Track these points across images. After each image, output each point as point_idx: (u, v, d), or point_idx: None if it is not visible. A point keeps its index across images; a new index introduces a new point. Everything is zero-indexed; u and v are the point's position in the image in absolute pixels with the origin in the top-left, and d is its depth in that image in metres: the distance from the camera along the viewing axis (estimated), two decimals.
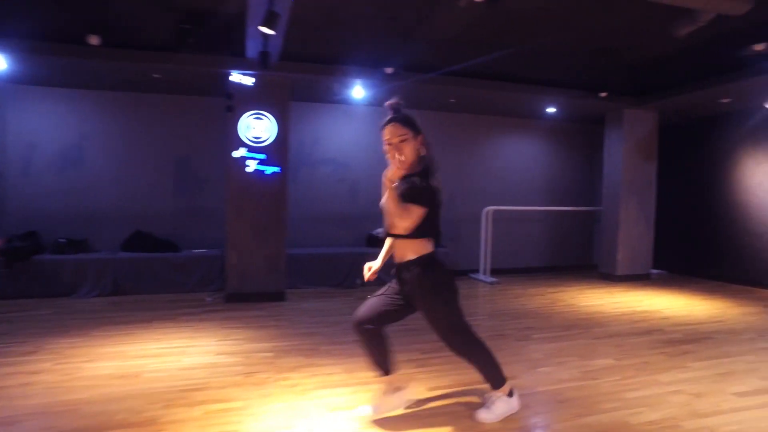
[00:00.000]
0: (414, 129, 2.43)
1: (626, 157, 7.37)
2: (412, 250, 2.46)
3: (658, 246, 7.89)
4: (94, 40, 4.92)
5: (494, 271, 7.49)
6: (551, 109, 7.43)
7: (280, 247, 5.74)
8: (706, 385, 3.27)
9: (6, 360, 3.57)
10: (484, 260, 7.41)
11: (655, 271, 7.85)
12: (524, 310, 5.39)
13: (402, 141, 2.39)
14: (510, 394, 2.72)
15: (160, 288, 6.02)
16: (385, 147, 2.42)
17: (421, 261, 2.45)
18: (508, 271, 7.92)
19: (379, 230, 7.23)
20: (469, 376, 3.30)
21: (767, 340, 4.33)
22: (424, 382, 3.24)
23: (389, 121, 2.42)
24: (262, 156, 5.64)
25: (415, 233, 2.40)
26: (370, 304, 2.63)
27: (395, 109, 2.45)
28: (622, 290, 6.62)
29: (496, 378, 2.69)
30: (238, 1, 4.38)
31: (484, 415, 2.69)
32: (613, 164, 7.53)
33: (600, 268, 7.74)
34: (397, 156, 2.37)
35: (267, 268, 5.72)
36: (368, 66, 5.76)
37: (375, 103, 7.02)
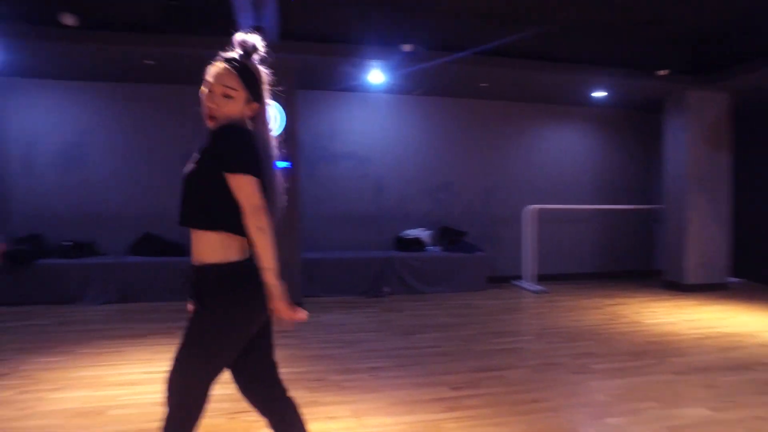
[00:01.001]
0: (253, 91, 1.65)
1: (691, 147, 6.34)
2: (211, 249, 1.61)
3: (737, 250, 6.82)
4: (68, 19, 4.36)
5: (541, 278, 6.62)
6: (599, 93, 6.47)
7: (294, 251, 5.10)
8: None
9: None
10: (529, 266, 6.55)
11: (733, 279, 6.77)
12: (579, 329, 4.53)
13: (225, 95, 1.61)
14: None
15: (168, 295, 5.50)
16: (203, 89, 1.64)
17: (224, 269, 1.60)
18: (555, 277, 7.02)
19: (409, 232, 6.50)
20: (520, 425, 2.54)
21: None
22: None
23: (225, 60, 1.63)
24: None
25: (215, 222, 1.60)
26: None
27: (245, 52, 1.66)
28: (695, 303, 5.62)
29: None
30: None
31: None
32: (675, 156, 6.50)
33: (664, 276, 6.72)
34: (208, 104, 1.61)
35: (279, 274, 5.06)
36: (383, 45, 5.02)
37: (397, 90, 6.28)
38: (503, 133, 6.91)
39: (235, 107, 1.62)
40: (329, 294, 5.76)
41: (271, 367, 1.76)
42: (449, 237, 6.55)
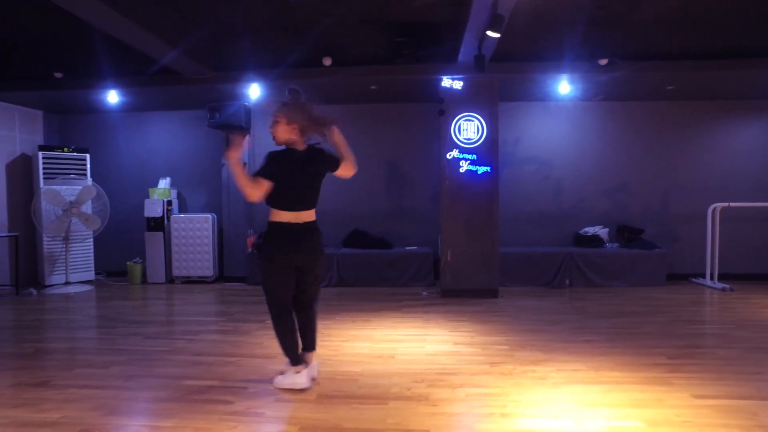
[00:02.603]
0: (289, 118, 2.89)
1: None
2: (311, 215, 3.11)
3: None
4: (327, 61, 5.62)
5: (722, 276, 6.61)
6: None
7: (493, 245, 5.86)
8: None
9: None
10: (711, 264, 6.59)
11: None
12: None
13: (276, 122, 2.91)
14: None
15: (377, 281, 6.60)
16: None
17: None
18: (742, 277, 6.91)
19: (587, 229, 6.93)
20: (739, 386, 3.00)
21: None
22: (683, 389, 3.03)
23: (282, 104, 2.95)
24: (473, 156, 5.83)
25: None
26: (287, 288, 3.02)
27: (292, 96, 2.94)
28: None
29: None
30: (457, 10, 4.61)
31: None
32: None
33: None
34: (271, 129, 2.96)
35: (480, 265, 5.88)
36: (575, 59, 5.57)
37: (581, 98, 6.76)
38: (684, 132, 7.02)
39: (281, 127, 2.92)
40: (517, 284, 6.43)
41: (300, 294, 3.11)
42: (627, 234, 6.85)
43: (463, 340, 4.14)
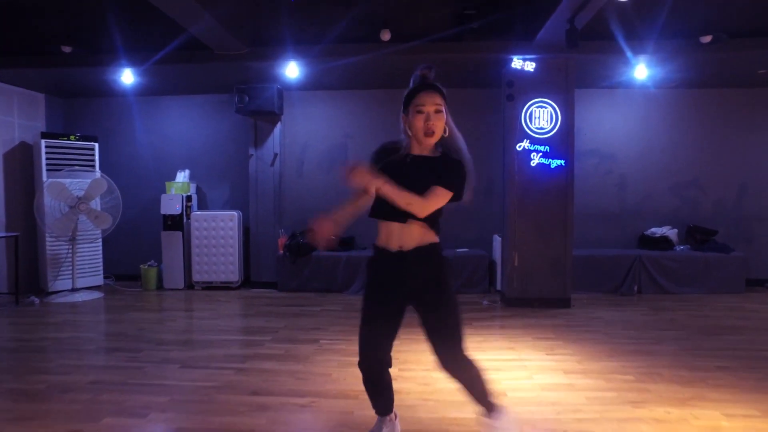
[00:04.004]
0: (446, 104, 1.99)
1: None
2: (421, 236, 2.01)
3: None
4: (386, 35, 4.86)
5: None
6: None
7: (567, 249, 5.16)
8: None
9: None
10: None
11: None
12: None
13: (437, 111, 1.96)
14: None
15: None
16: (413, 115, 1.97)
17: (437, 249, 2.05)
18: None
19: (655, 229, 6.25)
20: None
21: None
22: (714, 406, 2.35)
23: (426, 87, 1.97)
24: (546, 148, 5.12)
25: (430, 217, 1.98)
26: (379, 330, 2.09)
27: (425, 79, 2.00)
28: None
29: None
30: None
31: None
32: None
33: None
34: (426, 124, 1.95)
35: (551, 271, 5.18)
36: (658, 38, 4.82)
37: (650, 85, 6.02)
38: (762, 123, 6.33)
39: (442, 120, 1.97)
40: (581, 290, 5.73)
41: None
42: (698, 236, 6.19)
43: (572, 368, 3.44)
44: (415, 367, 3.45)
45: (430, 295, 2.01)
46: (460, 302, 2.08)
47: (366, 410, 2.60)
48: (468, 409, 2.74)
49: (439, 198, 1.94)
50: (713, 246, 6.05)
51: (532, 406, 2.83)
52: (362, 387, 2.19)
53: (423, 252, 2.00)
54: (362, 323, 2.09)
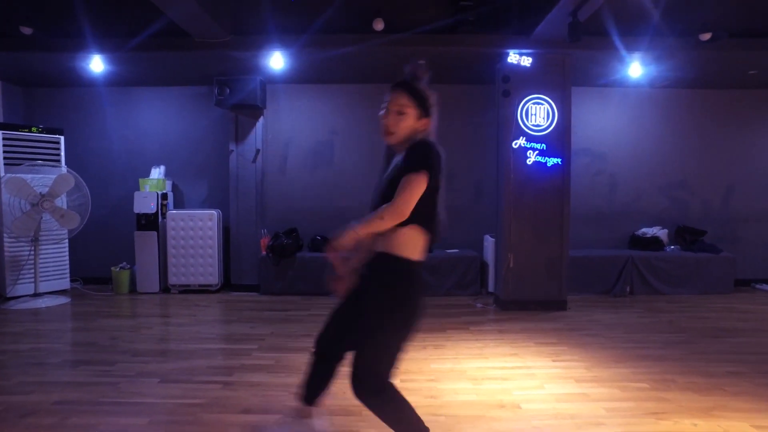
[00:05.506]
0: (421, 107, 1.90)
1: None
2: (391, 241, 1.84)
3: None
4: (378, 24, 4.61)
5: None
6: None
7: (563, 250, 5.01)
8: None
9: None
10: None
11: None
12: None
13: (399, 113, 1.88)
14: None
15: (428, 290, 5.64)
16: (382, 111, 1.92)
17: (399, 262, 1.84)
18: None
19: (646, 230, 6.18)
20: None
21: None
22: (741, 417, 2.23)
23: (397, 85, 1.92)
24: (542, 146, 4.96)
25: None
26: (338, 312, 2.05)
27: (412, 76, 1.94)
28: None
29: None
30: None
31: None
32: None
33: None
34: (385, 122, 1.90)
35: (547, 272, 5.02)
36: (655, 34, 4.71)
37: (641, 84, 5.94)
38: (753, 124, 6.32)
39: (407, 122, 1.87)
40: (574, 292, 5.58)
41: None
42: (688, 236, 6.14)
43: (582, 375, 3.26)
44: (418, 377, 3.22)
45: (367, 294, 1.87)
46: (400, 327, 1.84)
47: (373, 428, 2.36)
48: (485, 426, 2.54)
49: (410, 186, 1.74)
50: (702, 246, 6.01)
51: (549, 419, 2.63)
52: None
53: (384, 258, 1.85)
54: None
